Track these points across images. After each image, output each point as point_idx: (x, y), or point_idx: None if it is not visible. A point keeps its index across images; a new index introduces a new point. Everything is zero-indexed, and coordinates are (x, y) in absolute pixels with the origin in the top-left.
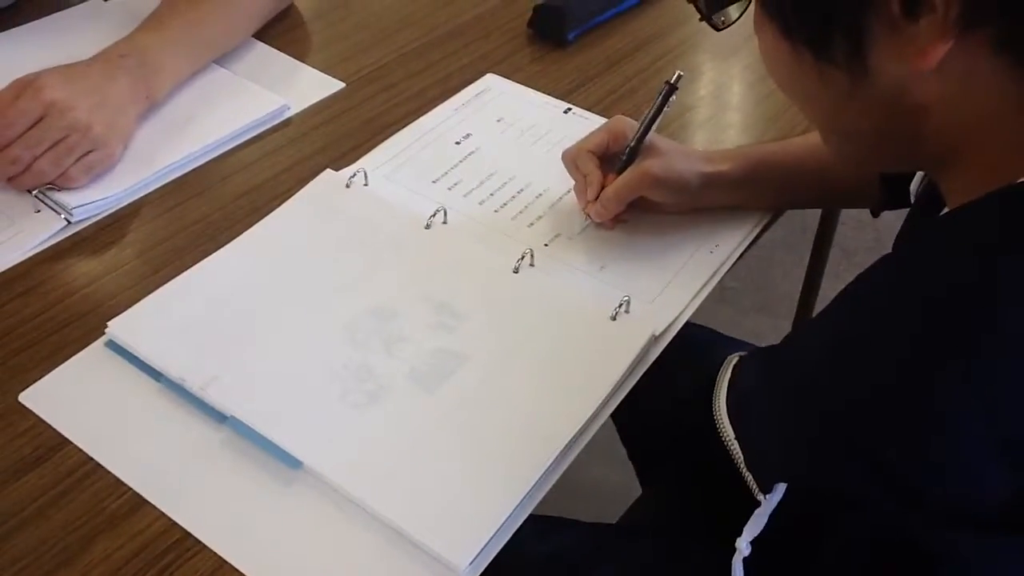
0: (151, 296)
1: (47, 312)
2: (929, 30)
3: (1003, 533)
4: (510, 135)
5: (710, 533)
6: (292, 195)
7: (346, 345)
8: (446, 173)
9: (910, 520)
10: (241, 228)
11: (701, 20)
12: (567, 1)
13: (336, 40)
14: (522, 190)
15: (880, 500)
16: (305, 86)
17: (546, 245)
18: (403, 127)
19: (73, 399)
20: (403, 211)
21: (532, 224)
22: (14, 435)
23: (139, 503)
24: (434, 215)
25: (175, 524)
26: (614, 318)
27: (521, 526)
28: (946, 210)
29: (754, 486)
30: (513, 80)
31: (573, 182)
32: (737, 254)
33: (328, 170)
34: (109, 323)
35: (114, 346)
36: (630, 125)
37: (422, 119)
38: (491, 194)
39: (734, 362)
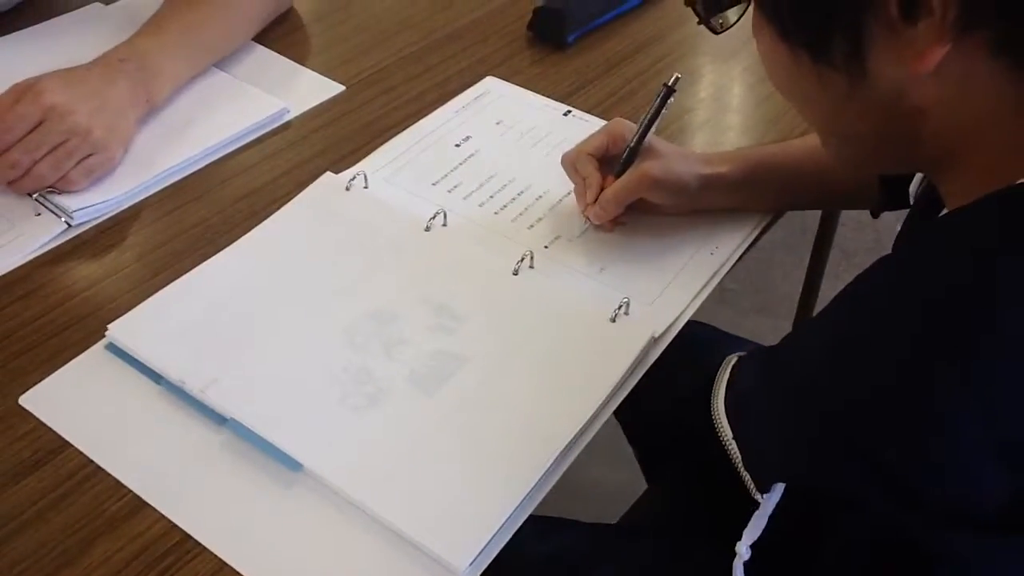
0: (151, 299)
1: (47, 315)
2: (927, 33)
3: (1001, 534)
4: (510, 137)
5: (712, 532)
6: (292, 198)
7: (346, 348)
8: (446, 176)
9: (909, 521)
10: (241, 231)
11: (700, 23)
12: (566, 4)
13: (336, 43)
14: (522, 192)
15: (879, 500)
16: (305, 89)
17: (546, 247)
18: (403, 130)
19: (73, 402)
20: (403, 214)
21: (532, 226)
22: (14, 438)
23: (139, 505)
24: (434, 217)
25: (175, 526)
26: (614, 320)
27: (521, 526)
28: (945, 211)
29: (752, 486)
30: (513, 83)
31: (573, 184)
32: (737, 255)
33: (328, 173)
34: (109, 326)
35: (114, 349)
36: (629, 127)
37: (422, 122)
38: (491, 196)
39: (732, 362)
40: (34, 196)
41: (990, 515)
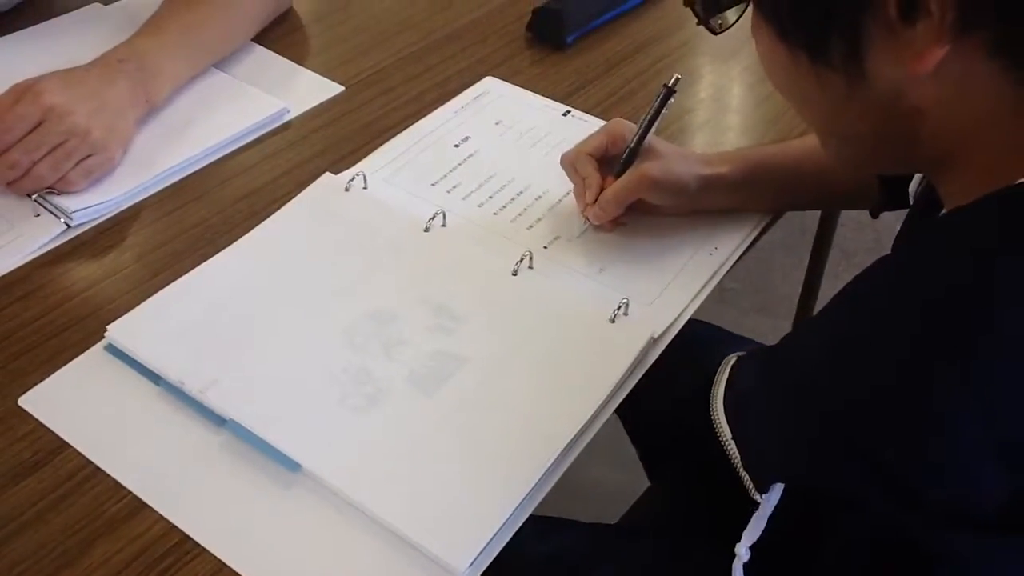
0: (150, 300)
1: (47, 316)
2: (926, 34)
3: (1001, 534)
4: (509, 138)
5: (712, 532)
6: (291, 198)
7: (345, 348)
8: (445, 176)
9: (909, 521)
10: (240, 232)
11: (699, 24)
12: (566, 4)
13: (335, 43)
14: (521, 193)
15: (879, 500)
16: (304, 89)
17: (545, 247)
18: (402, 130)
19: (72, 403)
20: (402, 214)
21: (531, 227)
22: (13, 439)
23: (138, 506)
24: (433, 218)
25: (174, 527)
26: (613, 320)
27: (521, 526)
28: (944, 211)
29: (751, 486)
30: (512, 83)
31: (572, 184)
32: (736, 256)
33: (327, 173)
34: (108, 327)
35: (113, 350)
36: (629, 128)
37: (421, 122)
38: (490, 197)
39: (732, 362)
40: (33, 197)
41: (990, 515)
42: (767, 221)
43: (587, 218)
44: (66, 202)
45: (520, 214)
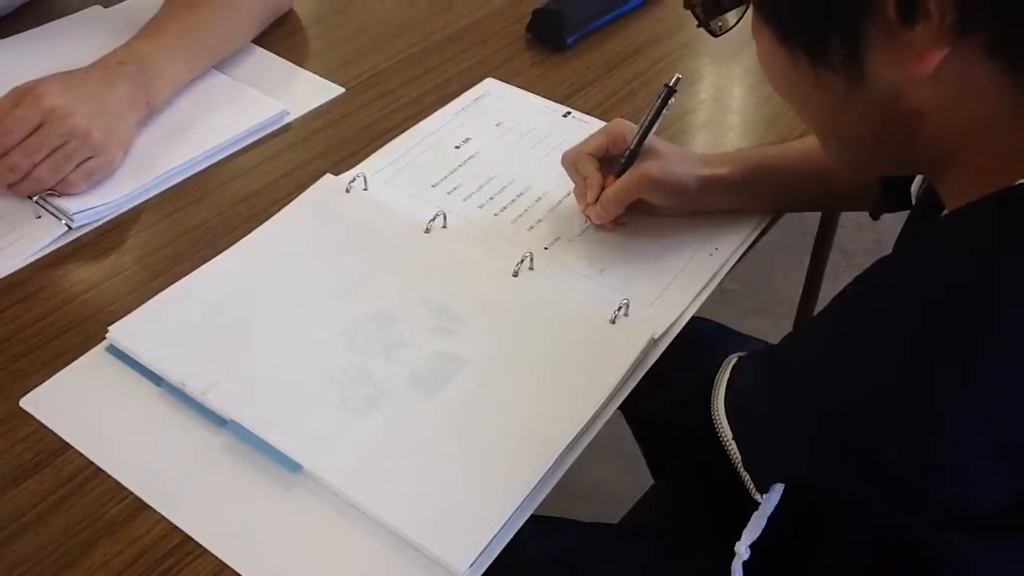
0: (152, 301)
1: (48, 317)
2: (925, 36)
3: (1001, 534)
4: (509, 139)
5: (713, 532)
6: (291, 200)
7: (346, 350)
8: (445, 177)
9: (909, 521)
10: (240, 233)
11: (699, 26)
12: (565, 5)
13: (335, 45)
14: (521, 194)
15: (879, 500)
16: (304, 91)
17: (545, 248)
18: (402, 132)
19: (74, 404)
20: (403, 215)
21: (532, 228)
22: (15, 440)
23: (139, 507)
24: (433, 219)
25: (175, 528)
26: (613, 321)
27: (522, 526)
28: (945, 212)
29: (751, 486)
30: (512, 84)
31: (572, 185)
32: (736, 256)
33: (328, 175)
34: (110, 328)
35: (115, 351)
36: (629, 128)
37: (421, 123)
38: (490, 198)
39: (732, 363)
40: (34, 199)
41: (990, 516)
42: (767, 222)
43: (588, 217)
44: (67, 204)
45: (521, 215)
